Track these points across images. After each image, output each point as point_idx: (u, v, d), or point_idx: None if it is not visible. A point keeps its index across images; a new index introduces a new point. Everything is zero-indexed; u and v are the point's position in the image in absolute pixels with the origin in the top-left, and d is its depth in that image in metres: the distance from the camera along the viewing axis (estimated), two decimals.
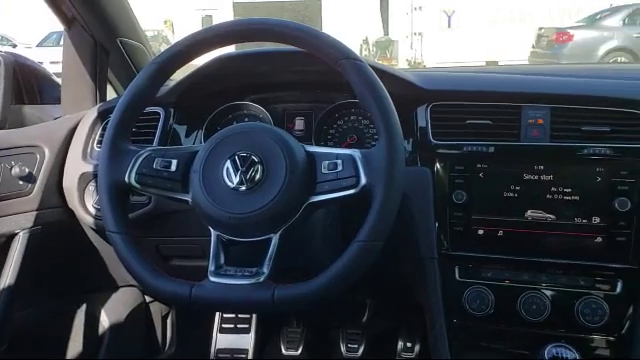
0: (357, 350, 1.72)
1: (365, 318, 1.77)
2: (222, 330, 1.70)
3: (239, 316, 1.69)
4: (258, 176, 0.88)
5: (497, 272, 1.09)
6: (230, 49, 1.10)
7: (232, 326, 1.70)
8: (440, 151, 1.11)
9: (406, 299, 1.30)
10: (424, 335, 1.24)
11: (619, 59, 9.25)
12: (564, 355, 0.86)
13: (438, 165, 1.10)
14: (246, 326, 1.69)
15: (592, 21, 10.63)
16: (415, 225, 1.10)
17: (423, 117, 1.13)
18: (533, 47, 11.06)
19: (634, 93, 1.08)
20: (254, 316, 1.69)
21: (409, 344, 1.68)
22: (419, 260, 1.11)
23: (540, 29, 10.99)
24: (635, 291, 1.02)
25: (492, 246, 1.08)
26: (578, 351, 0.90)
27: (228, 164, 0.89)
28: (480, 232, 1.09)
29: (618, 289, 1.03)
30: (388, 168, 0.85)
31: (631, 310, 1.02)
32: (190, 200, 0.92)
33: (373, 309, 1.77)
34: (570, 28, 10.38)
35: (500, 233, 1.08)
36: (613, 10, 10.47)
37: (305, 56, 0.95)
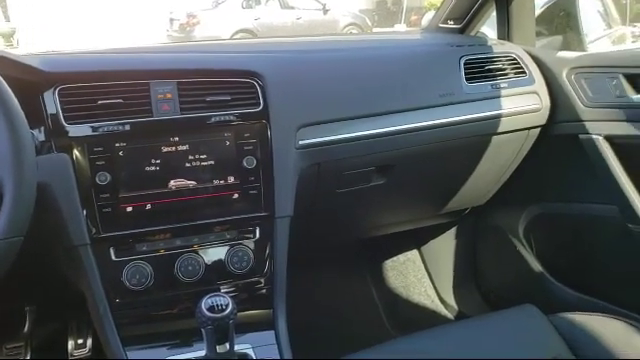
0: None
1: (27, 327, 1.61)
2: None
3: None
4: None
5: (152, 244, 1.13)
6: None
7: None
8: (75, 135, 1.07)
9: (68, 294, 1.23)
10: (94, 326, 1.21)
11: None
12: (219, 302, 0.95)
13: (76, 150, 1.07)
14: None
15: (216, 5, 11.51)
16: (61, 214, 1.05)
17: (51, 102, 1.07)
18: (167, 30, 11.39)
19: (248, 64, 1.22)
20: None
21: (80, 340, 1.61)
22: (72, 249, 1.07)
23: (171, 12, 11.36)
24: (269, 234, 1.20)
25: (143, 220, 1.11)
26: (233, 297, 1.01)
27: None
28: (129, 209, 1.10)
29: (257, 235, 1.20)
30: (13, 158, 0.80)
31: (268, 251, 1.20)
32: None
33: (35, 315, 1.63)
34: (198, 11, 11.04)
35: (148, 207, 1.11)
36: None
37: None
